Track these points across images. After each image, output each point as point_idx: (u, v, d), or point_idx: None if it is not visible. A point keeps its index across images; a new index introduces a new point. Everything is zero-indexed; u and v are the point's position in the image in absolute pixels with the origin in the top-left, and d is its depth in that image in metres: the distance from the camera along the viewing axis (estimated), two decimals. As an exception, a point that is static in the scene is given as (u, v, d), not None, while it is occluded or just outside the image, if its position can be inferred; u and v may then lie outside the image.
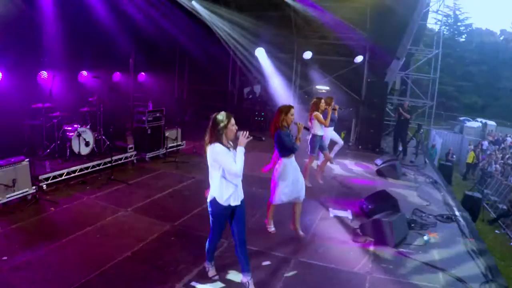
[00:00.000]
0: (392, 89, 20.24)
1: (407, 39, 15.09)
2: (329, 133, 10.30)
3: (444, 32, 54.80)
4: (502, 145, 27.87)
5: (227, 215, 4.79)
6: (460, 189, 18.46)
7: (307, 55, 16.08)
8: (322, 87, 17.71)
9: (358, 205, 8.19)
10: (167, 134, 11.34)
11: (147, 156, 10.68)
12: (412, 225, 7.54)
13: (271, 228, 6.72)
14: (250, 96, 19.67)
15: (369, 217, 7.35)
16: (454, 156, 22.87)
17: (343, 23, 14.83)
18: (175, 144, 11.64)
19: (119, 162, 9.86)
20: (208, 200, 4.74)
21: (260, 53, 16.11)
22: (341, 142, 10.82)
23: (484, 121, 38.86)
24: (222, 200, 4.62)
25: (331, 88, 17.28)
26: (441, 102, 47.27)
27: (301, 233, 6.61)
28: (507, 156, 23.90)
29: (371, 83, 15.52)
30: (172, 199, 8.06)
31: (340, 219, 7.60)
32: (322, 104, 9.26)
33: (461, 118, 43.45)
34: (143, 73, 14.55)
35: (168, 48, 14.61)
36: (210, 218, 4.83)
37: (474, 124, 36.75)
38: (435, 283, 5.52)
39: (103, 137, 9.96)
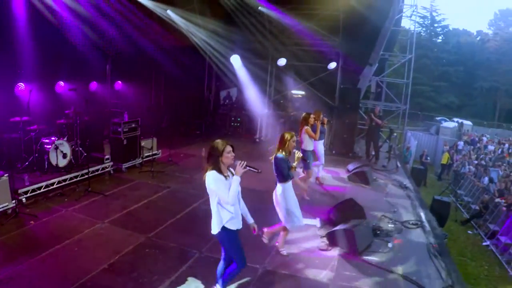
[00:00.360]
0: (367, 91, 20.77)
1: (380, 46, 15.51)
2: (319, 147, 10.61)
3: (421, 34, 56.18)
4: (478, 145, 28.44)
5: (237, 237, 4.88)
6: (434, 190, 19.10)
7: (281, 62, 16.42)
8: (298, 92, 18.13)
9: (327, 213, 8.45)
10: (142, 143, 11.60)
11: (123, 166, 10.90)
12: (378, 232, 7.87)
13: (284, 252, 6.78)
14: (227, 101, 20.02)
15: (336, 226, 7.62)
16: (429, 158, 23.22)
17: (316, 30, 15.28)
18: (151, 153, 11.89)
19: (96, 173, 10.09)
20: (215, 232, 4.81)
21: (235, 60, 16.39)
22: (322, 160, 11.01)
23: (460, 121, 39.50)
24: (226, 224, 4.73)
25: (306, 93, 17.73)
26: (418, 103, 48.37)
27: (284, 252, 6.78)
28: (481, 156, 24.51)
29: (344, 89, 15.96)
30: (148, 210, 8.36)
31: (308, 228, 7.85)
32: (311, 118, 9.62)
33: (438, 118, 44.18)
34: (119, 81, 14.74)
35: (144, 56, 14.75)
36: (224, 249, 5.00)
37: (450, 124, 37.30)
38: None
39: (80, 149, 10.17)
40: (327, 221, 8.27)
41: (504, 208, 14.57)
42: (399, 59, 21.84)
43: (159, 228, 7.42)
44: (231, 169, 4.83)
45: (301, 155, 6.87)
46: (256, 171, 4.86)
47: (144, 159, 11.67)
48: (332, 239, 7.27)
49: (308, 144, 9.66)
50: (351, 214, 8.04)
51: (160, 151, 12.43)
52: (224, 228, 4.74)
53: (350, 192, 10.52)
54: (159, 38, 14.82)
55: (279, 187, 6.49)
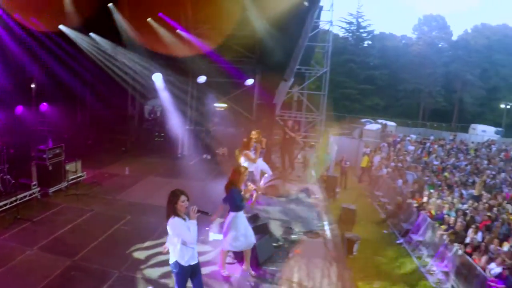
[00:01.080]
0: (291, 97, 22.24)
1: (294, 63, 16.64)
2: (260, 164, 11.40)
3: (348, 39, 59.30)
4: (398, 146, 29.69)
5: (189, 273, 5.70)
6: (354, 192, 20.76)
7: (201, 79, 17.34)
8: (220, 105, 19.17)
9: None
10: (67, 167, 12.25)
11: (50, 191, 11.49)
12: (280, 243, 8.92)
13: (225, 273, 7.57)
14: (152, 116, 20.77)
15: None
16: (348, 163, 23.93)
17: (234, 49, 16.47)
18: (75, 176, 12.55)
19: (24, 199, 10.62)
20: (171, 262, 5.66)
21: (157, 78, 17.16)
22: (270, 172, 11.93)
23: (384, 122, 40.91)
24: (184, 262, 5.56)
25: (228, 106, 18.85)
26: (344, 106, 50.95)
27: (252, 272, 7.63)
28: (400, 157, 26.10)
29: (260, 104, 17.22)
30: (73, 234, 9.11)
31: (217, 242, 8.52)
32: (251, 143, 10.68)
33: (363, 120, 45.91)
34: (45, 103, 15.28)
35: (69, 77, 15.36)
36: (175, 277, 5.74)
37: (374, 126, 38.83)
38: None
39: (8, 176, 10.67)
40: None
41: (415, 209, 16.33)
42: (316, 71, 23.49)
43: (84, 251, 8.26)
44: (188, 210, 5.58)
45: (253, 186, 7.92)
46: (207, 214, 5.88)
47: (70, 182, 12.28)
48: (237, 253, 8.03)
49: (248, 166, 10.22)
50: (256, 228, 8.69)
51: (85, 172, 13.05)
52: (182, 265, 5.59)
53: (262, 204, 11.48)
54: (81, 58, 15.48)
55: (231, 216, 7.33)
